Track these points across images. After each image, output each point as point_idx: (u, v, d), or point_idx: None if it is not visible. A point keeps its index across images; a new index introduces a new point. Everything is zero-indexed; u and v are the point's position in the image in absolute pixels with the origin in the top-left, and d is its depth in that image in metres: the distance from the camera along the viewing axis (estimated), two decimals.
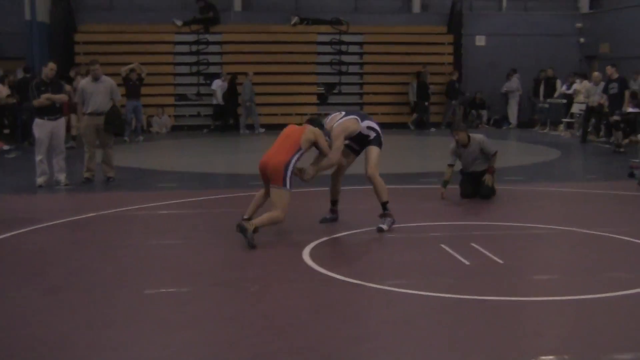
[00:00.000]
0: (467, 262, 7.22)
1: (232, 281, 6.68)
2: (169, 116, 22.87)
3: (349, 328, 5.42)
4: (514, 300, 6.11)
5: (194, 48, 23.36)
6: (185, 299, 6.15)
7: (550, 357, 4.90)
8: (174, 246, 8.05)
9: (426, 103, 23.17)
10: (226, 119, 22.76)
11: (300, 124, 8.67)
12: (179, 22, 23.21)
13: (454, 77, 23.55)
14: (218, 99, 22.43)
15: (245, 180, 12.77)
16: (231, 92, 22.53)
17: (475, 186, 10.83)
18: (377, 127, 9.06)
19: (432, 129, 22.99)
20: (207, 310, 5.90)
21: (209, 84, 23.04)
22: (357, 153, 9.23)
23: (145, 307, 5.97)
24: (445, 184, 10.82)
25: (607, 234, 8.46)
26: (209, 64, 23.34)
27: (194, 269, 7.12)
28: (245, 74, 22.22)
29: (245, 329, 5.43)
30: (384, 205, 8.85)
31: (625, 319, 5.71)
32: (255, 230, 7.88)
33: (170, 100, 23.23)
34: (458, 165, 11.04)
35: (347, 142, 8.97)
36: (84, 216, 9.64)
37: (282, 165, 8.11)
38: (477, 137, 10.93)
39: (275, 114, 23.17)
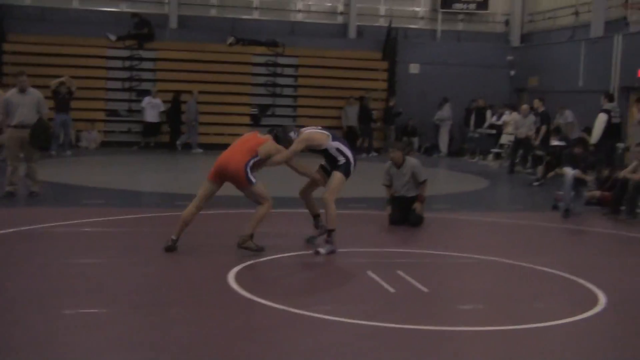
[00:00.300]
0: (391, 290, 7.22)
1: (152, 303, 6.54)
2: (99, 131, 22.47)
3: (266, 355, 5.34)
4: (436, 330, 6.11)
5: (127, 64, 23.03)
6: (103, 321, 5.99)
7: None
8: (96, 265, 7.86)
9: (370, 126, 23.40)
10: (156, 136, 22.46)
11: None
12: (112, 37, 22.88)
13: (391, 103, 23.80)
14: (147, 116, 22.13)
15: (173, 199, 12.60)
16: (175, 110, 22.36)
17: (405, 213, 10.89)
18: (349, 154, 9.01)
19: (374, 154, 23.12)
20: (123, 333, 5.74)
21: (141, 101, 22.76)
22: (329, 175, 9.16)
23: (61, 329, 5.79)
24: (388, 202, 10.95)
25: (529, 265, 8.57)
26: (141, 80, 23.04)
27: (114, 289, 6.96)
28: (190, 92, 22.17)
29: (159, 354, 5.30)
30: (329, 232, 8.90)
31: (547, 351, 5.77)
32: (251, 236, 8.47)
33: (101, 115, 22.84)
34: None
35: (322, 162, 9.22)
36: (2, 232, 9.35)
37: (241, 166, 8.49)
38: (412, 160, 11.06)
39: (207, 134, 22.96)
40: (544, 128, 17.72)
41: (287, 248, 8.92)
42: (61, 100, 19.47)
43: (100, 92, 22.74)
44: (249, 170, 8.51)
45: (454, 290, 7.53)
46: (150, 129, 22.39)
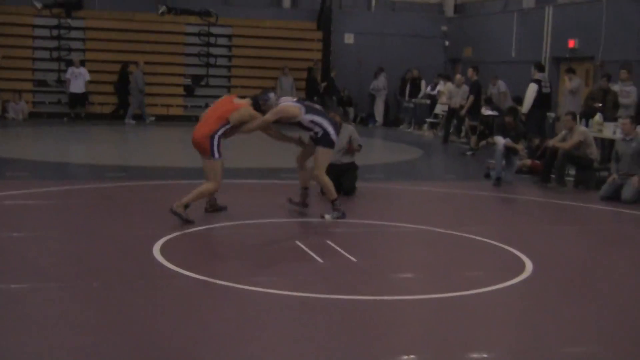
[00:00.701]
0: (320, 260, 7.13)
1: (75, 276, 6.33)
2: (27, 102, 21.83)
3: (186, 327, 5.20)
4: (362, 299, 6.05)
5: (55, 32, 22.38)
6: (20, 296, 5.77)
7: (403, 357, 4.86)
8: (18, 239, 7.59)
9: (315, 98, 23.15)
10: (84, 107, 21.84)
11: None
12: (38, 5, 22.10)
13: (332, 74, 23.67)
14: (71, 87, 21.40)
15: (102, 171, 12.31)
16: (122, 81, 21.89)
17: (338, 180, 10.81)
18: (325, 123, 8.92)
19: None
20: (42, 309, 5.53)
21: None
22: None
23: None
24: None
25: (460, 234, 8.58)
26: (70, 49, 22.43)
27: (36, 263, 6.73)
28: (136, 63, 21.81)
29: (78, 327, 5.12)
30: (333, 202, 9.06)
31: (475, 317, 5.75)
32: (186, 206, 8.38)
33: (29, 85, 22.20)
34: None
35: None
36: None
37: (206, 138, 8.42)
38: (349, 127, 11.02)
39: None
40: (471, 97, 17.78)
41: (219, 219, 8.77)
42: None
43: (27, 62, 22.10)
44: (215, 142, 8.46)
45: (382, 259, 7.48)
46: (76, 99, 21.73)
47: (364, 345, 5.08)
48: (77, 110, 21.89)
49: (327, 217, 9.00)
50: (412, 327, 5.57)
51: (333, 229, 8.67)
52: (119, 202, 9.91)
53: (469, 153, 16.80)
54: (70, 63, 22.16)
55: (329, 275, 6.73)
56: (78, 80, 21.42)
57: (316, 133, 8.97)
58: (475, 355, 5.01)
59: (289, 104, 9.01)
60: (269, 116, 8.75)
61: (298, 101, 9.15)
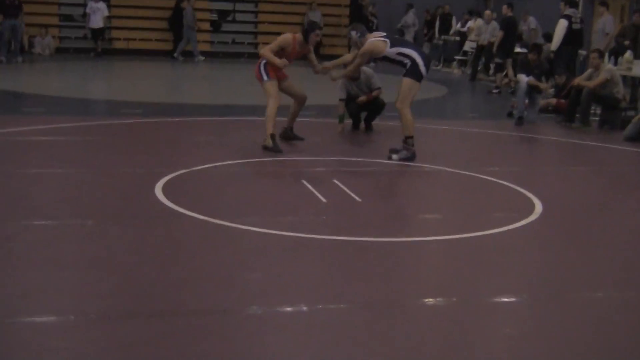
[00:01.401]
0: (324, 200, 7.00)
1: (69, 215, 6.26)
2: (53, 37, 21.77)
3: (175, 269, 5.12)
4: (359, 240, 5.91)
5: None
6: (10, 235, 5.71)
7: (424, 300, 4.74)
8: (19, 176, 7.53)
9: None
10: (102, 41, 21.68)
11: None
12: None
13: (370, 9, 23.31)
14: (90, 22, 21.25)
15: (118, 107, 12.25)
16: (176, 17, 21.72)
17: (359, 114, 10.91)
18: (415, 54, 8.77)
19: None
20: (32, 249, 5.45)
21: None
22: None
23: None
24: (341, 118, 10.71)
25: (474, 174, 8.38)
26: None
27: (32, 201, 6.65)
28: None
29: (69, 269, 5.06)
30: (406, 139, 8.87)
31: (479, 260, 5.61)
32: (273, 136, 8.93)
33: (55, 20, 22.12)
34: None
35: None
36: None
37: (256, 67, 9.22)
38: (367, 70, 10.76)
39: (166, 40, 22.43)
40: (500, 33, 17.29)
41: (231, 156, 8.66)
42: (9, 5, 18.73)
43: None
44: (262, 68, 9.16)
45: (388, 201, 7.33)
46: (94, 34, 21.56)
47: (363, 287, 4.96)
48: (95, 45, 21.76)
49: (395, 157, 8.83)
50: (413, 270, 5.44)
51: (343, 167, 8.52)
52: (130, 139, 9.84)
53: (495, 91, 16.46)
54: None
55: (330, 216, 6.60)
56: (96, 15, 21.18)
57: (405, 65, 8.77)
58: (496, 299, 4.87)
59: (375, 39, 8.88)
60: (361, 59, 8.98)
61: (386, 36, 8.97)
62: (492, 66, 19.08)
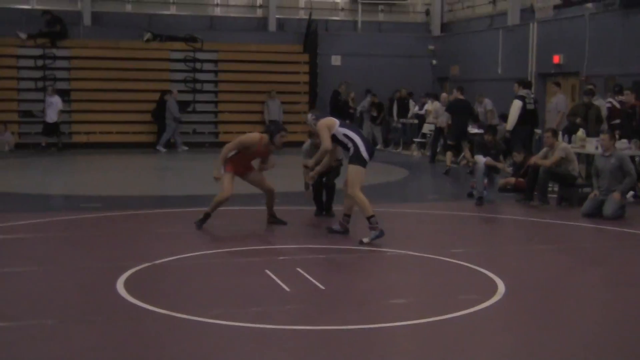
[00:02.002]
0: (287, 289, 6.97)
1: (29, 314, 6.16)
2: (13, 133, 21.73)
3: None
4: (322, 329, 5.88)
5: (40, 63, 22.34)
6: None
7: None
8: None
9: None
10: (57, 136, 21.49)
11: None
12: (23, 36, 22.12)
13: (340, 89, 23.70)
14: (47, 117, 21.12)
15: (78, 201, 12.18)
16: (160, 109, 21.98)
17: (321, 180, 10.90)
18: (359, 141, 9.15)
19: None
20: None
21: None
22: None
23: None
24: (307, 185, 10.86)
25: (436, 257, 8.44)
26: (56, 79, 22.37)
27: None
28: (170, 92, 22.04)
29: None
30: (369, 219, 9.01)
31: (436, 345, 5.60)
32: (205, 215, 9.65)
33: (14, 116, 22.11)
34: None
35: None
36: None
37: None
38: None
39: (127, 132, 22.52)
40: (446, 116, 17.65)
41: (191, 248, 8.63)
42: None
43: (12, 93, 22.02)
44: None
45: (351, 287, 7.33)
46: (49, 129, 21.32)
47: None
48: (52, 139, 21.47)
49: (365, 240, 8.98)
50: (380, 357, 5.40)
51: (306, 255, 8.53)
52: (90, 234, 9.76)
53: (444, 171, 16.74)
54: (57, 93, 22.13)
55: (294, 305, 6.57)
56: (50, 109, 21.06)
57: (348, 148, 9.19)
58: None
59: (329, 118, 9.53)
60: (325, 135, 9.18)
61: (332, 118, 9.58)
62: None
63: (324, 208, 11.04)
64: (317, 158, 9.58)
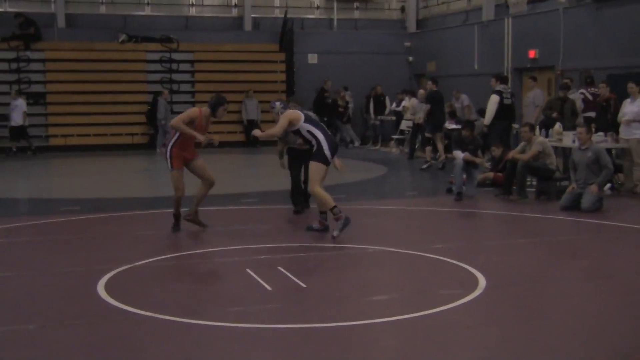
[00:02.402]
0: (269, 288, 6.97)
1: (10, 320, 6.12)
2: None
3: None
4: (304, 328, 5.89)
5: (14, 65, 22.16)
6: None
7: None
8: None
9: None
10: (23, 140, 21.13)
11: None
12: None
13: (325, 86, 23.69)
14: (11, 120, 20.76)
15: (56, 205, 12.10)
16: (153, 111, 21.94)
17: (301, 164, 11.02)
18: (322, 139, 9.20)
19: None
20: None
21: (32, 103, 21.98)
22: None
23: None
24: (281, 154, 10.98)
25: (416, 252, 8.45)
26: (30, 82, 22.21)
27: None
28: (161, 93, 21.97)
29: None
30: (332, 210, 9.13)
31: (418, 341, 5.62)
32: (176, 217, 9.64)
33: None
34: None
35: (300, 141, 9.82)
36: None
37: (164, 150, 9.50)
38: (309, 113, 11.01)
39: (105, 134, 22.40)
40: (427, 107, 17.72)
41: (171, 249, 8.61)
42: None
43: None
44: (167, 154, 9.49)
45: (332, 284, 7.32)
46: (16, 132, 20.98)
47: None
48: (21, 144, 21.10)
49: (335, 233, 9.13)
50: (362, 354, 5.41)
51: (287, 254, 8.52)
52: (68, 237, 9.71)
53: (424, 166, 16.80)
54: (30, 96, 21.97)
55: (275, 304, 6.57)
56: (14, 112, 20.72)
57: (312, 145, 9.24)
58: None
59: (295, 110, 9.43)
60: (281, 123, 9.16)
61: (301, 110, 9.55)
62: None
63: (302, 205, 11.04)
64: (267, 133, 9.52)
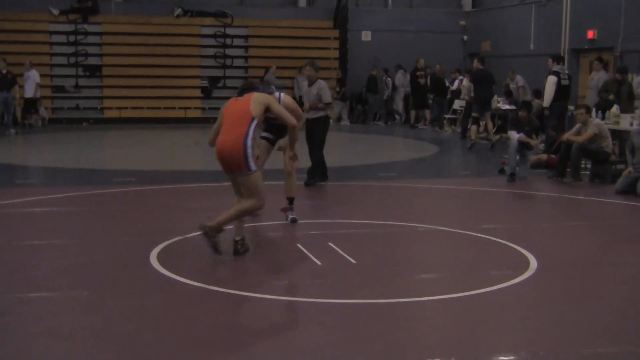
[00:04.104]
0: (319, 263, 7.00)
1: (67, 286, 6.26)
2: (46, 108, 21.93)
3: (176, 337, 5.12)
4: (354, 303, 5.91)
5: (72, 38, 22.48)
6: (9, 307, 5.70)
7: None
8: (15, 248, 7.53)
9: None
10: (36, 113, 21.00)
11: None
12: (55, 11, 22.27)
13: (373, 72, 23.61)
14: (25, 92, 20.38)
15: (111, 176, 12.30)
16: None
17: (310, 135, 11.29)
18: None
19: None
20: (29, 322, 5.43)
21: (89, 76, 22.33)
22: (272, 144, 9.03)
23: None
24: None
25: (468, 232, 8.41)
26: (87, 55, 22.53)
27: (29, 273, 6.65)
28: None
29: (63, 337, 5.05)
30: (291, 201, 8.88)
31: (479, 319, 5.60)
32: (218, 229, 6.99)
33: (47, 92, 22.29)
34: None
35: (265, 134, 8.92)
36: None
37: (239, 146, 6.90)
38: (321, 81, 11.20)
39: (158, 108, 22.63)
40: (470, 86, 17.51)
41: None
42: (1, 78, 18.93)
43: (45, 69, 22.14)
44: (249, 152, 6.96)
45: (382, 261, 7.33)
46: (27, 105, 20.75)
47: (367, 351, 4.94)
48: (28, 117, 20.81)
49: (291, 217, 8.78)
50: (411, 331, 5.42)
51: (337, 230, 8.54)
52: (123, 208, 9.86)
53: (469, 146, 16.67)
54: (87, 68, 22.30)
55: (325, 279, 6.60)
56: (26, 83, 20.28)
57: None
58: (495, 358, 4.87)
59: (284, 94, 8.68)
60: (297, 107, 8.35)
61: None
62: (481, 124, 19.22)
63: (314, 175, 11.22)
64: (292, 137, 7.89)
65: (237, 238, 7.27)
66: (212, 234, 6.98)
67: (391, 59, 24.02)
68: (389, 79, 23.60)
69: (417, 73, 22.31)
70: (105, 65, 22.65)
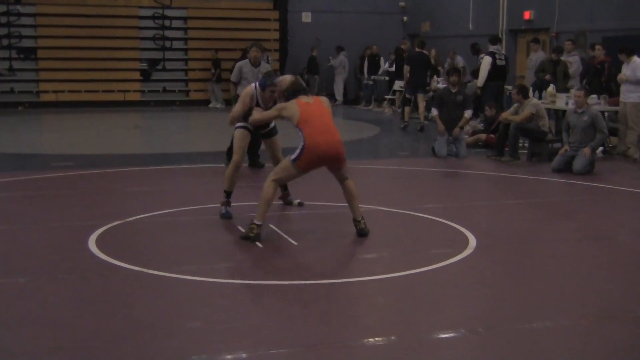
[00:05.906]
0: (260, 245, 6.98)
1: (1, 274, 6.13)
2: None
3: (114, 322, 5.05)
4: (295, 284, 5.92)
5: (4, 19, 21.91)
6: None
7: (365, 340, 4.74)
8: None
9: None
10: None
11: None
12: None
13: (314, 53, 23.70)
14: None
15: (48, 160, 12.07)
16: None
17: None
18: None
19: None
20: None
21: (23, 58, 21.85)
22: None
23: None
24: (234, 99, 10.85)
25: (407, 212, 8.48)
26: (21, 37, 22.00)
27: None
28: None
29: (2, 327, 4.95)
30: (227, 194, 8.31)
31: (419, 297, 5.65)
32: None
33: None
34: None
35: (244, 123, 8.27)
36: None
37: (343, 146, 7.50)
38: (266, 65, 11.27)
39: (97, 91, 22.28)
40: (406, 68, 17.62)
41: (162, 205, 8.59)
42: None
43: None
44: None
45: (323, 242, 7.34)
46: None
47: (307, 332, 4.95)
48: None
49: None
50: (352, 311, 5.44)
51: (277, 212, 8.52)
52: (61, 193, 9.69)
53: (402, 126, 16.81)
54: (21, 51, 21.80)
55: (267, 261, 6.59)
56: None
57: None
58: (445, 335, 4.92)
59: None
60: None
61: None
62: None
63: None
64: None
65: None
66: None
67: (331, 41, 24.01)
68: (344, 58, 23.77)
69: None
70: (40, 47, 22.16)
